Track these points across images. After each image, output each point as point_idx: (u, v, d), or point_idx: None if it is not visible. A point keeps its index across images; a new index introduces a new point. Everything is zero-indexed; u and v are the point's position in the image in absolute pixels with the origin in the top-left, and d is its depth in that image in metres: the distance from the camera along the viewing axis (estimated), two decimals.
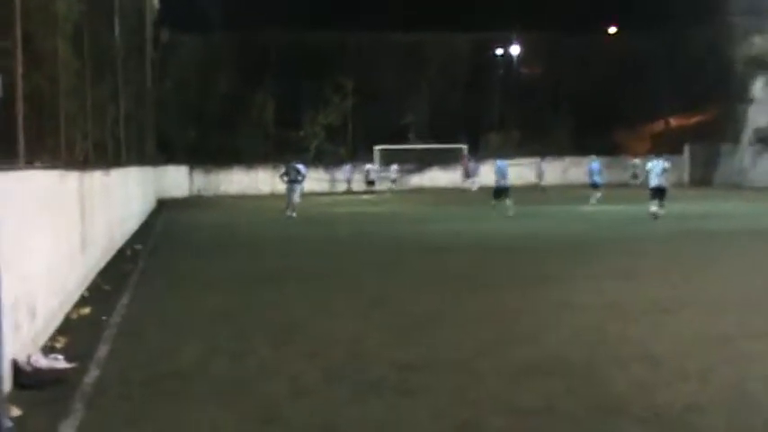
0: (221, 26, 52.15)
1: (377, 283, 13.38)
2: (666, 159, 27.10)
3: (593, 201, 32.89)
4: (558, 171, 53.71)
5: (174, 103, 50.24)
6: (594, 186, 33.85)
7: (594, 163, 35.22)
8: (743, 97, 51.66)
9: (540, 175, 49.19)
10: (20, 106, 8.60)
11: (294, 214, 29.35)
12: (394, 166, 51.90)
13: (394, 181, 51.17)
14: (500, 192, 29.26)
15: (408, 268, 15.50)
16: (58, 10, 12.55)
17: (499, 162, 30.57)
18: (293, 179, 30.59)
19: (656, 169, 26.28)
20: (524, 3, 57.19)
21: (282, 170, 31.84)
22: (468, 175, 52.74)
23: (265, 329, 9.65)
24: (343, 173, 52.28)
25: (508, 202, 28.54)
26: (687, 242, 19.45)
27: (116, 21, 21.35)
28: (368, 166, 49.98)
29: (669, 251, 17.71)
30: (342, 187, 52.67)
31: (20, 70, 8.67)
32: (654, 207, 25.62)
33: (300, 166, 31.26)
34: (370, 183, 48.84)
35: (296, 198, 30.33)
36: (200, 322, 10.19)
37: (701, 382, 7.11)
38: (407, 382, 7.20)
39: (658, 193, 25.98)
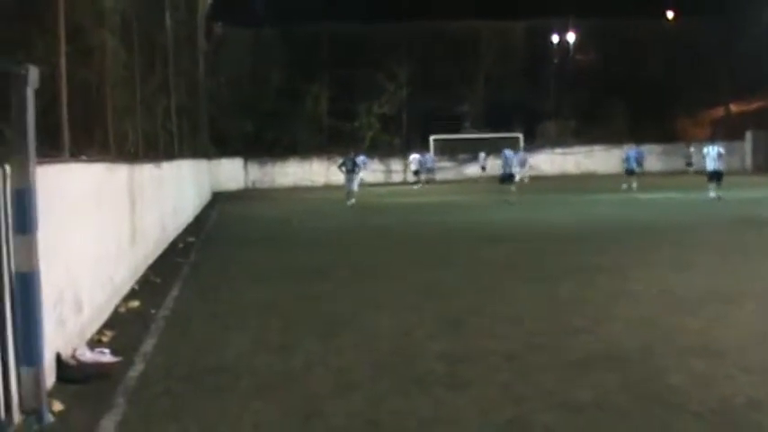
0: (273, 19, 52.29)
1: (423, 275, 13.18)
2: (720, 145, 27.79)
3: (624, 186, 34.87)
4: (616, 159, 52.94)
5: (228, 96, 50.47)
6: (630, 173, 35.82)
7: (631, 150, 37.92)
8: None
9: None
10: (63, 98, 8.57)
11: (352, 201, 31.04)
12: (428, 155, 51.42)
13: (431, 170, 50.77)
14: (504, 178, 31.49)
15: (458, 259, 15.30)
16: (106, 3, 12.55)
17: (506, 151, 32.36)
18: (350, 170, 32.08)
19: (711, 154, 27.62)
20: None
21: (340, 161, 33.43)
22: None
23: (313, 323, 9.53)
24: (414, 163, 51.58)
25: (513, 188, 30.76)
26: (746, 230, 18.97)
27: (167, 13, 21.40)
28: (412, 155, 49.77)
29: (727, 239, 17.30)
30: (398, 178, 52.50)
31: (63, 62, 8.63)
32: (712, 192, 26.94)
33: (360, 158, 33.16)
34: (416, 173, 48.68)
35: (354, 187, 31.99)
36: (248, 316, 10.10)
37: (764, 375, 6.82)
38: (455, 376, 7.03)
39: (715, 176, 27.37)
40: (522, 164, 47.95)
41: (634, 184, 34.74)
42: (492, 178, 45.65)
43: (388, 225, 23.38)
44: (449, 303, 10.52)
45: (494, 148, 49.56)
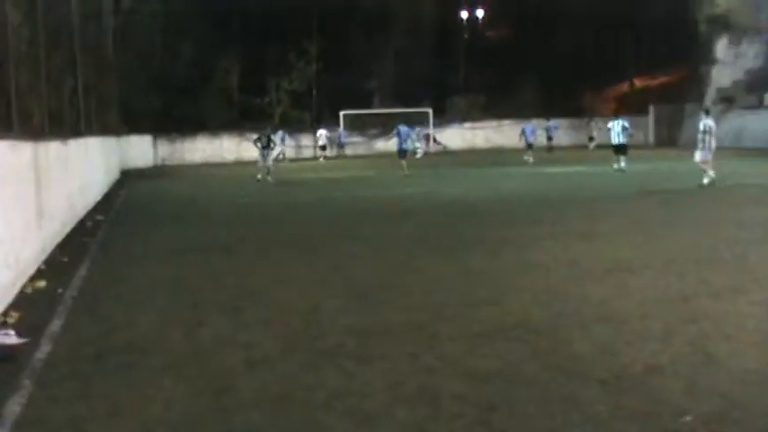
0: None
1: (333, 250, 13.28)
2: (625, 119, 28.80)
3: (526, 158, 37.28)
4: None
5: (138, 72, 49.53)
6: (530, 146, 38.24)
7: (528, 125, 40.32)
8: (706, 58, 51.91)
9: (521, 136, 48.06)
10: None
11: (261, 177, 31.27)
12: (340, 130, 51.71)
13: (342, 145, 51.07)
14: (401, 153, 32.99)
15: (366, 233, 15.40)
16: None
17: (400, 127, 33.78)
18: (265, 145, 32.17)
19: (616, 128, 29.16)
20: None
21: (255, 137, 33.37)
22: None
23: (221, 299, 9.51)
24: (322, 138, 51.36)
25: (404, 162, 32.29)
26: (648, 202, 19.53)
27: None
28: (319, 131, 49.82)
29: (630, 211, 17.76)
30: (308, 153, 52.35)
31: None
32: (616, 164, 28.55)
33: (278, 134, 35.46)
34: (323, 148, 48.80)
35: (267, 162, 32.13)
36: (157, 294, 10.02)
37: (663, 342, 7.04)
38: (365, 349, 7.10)
39: (620, 149, 28.93)
40: (421, 139, 48.50)
41: (530, 158, 37.25)
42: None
43: (298, 201, 23.37)
44: (358, 277, 10.61)
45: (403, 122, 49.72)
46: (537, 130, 41.52)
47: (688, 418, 5.26)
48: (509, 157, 41.15)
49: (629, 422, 5.24)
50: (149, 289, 10.38)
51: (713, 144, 22.47)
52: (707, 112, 23.34)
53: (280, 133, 45.19)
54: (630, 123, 30.78)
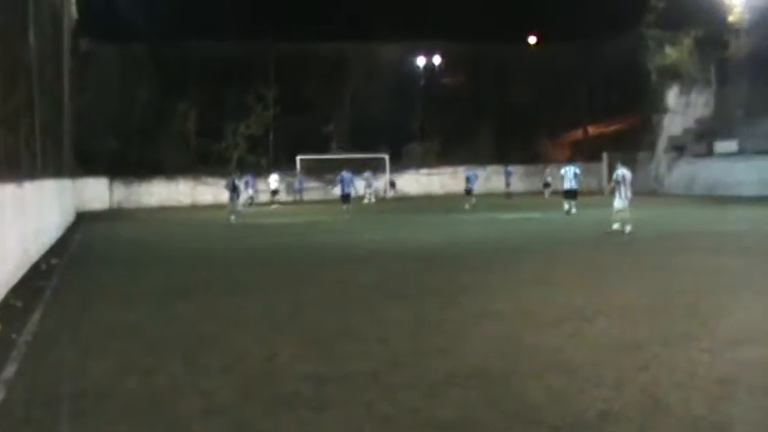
0: (142, 35, 51.42)
1: (291, 296, 13.27)
2: (578, 166, 29.78)
3: (467, 205, 37.91)
4: (480, 180, 53.95)
5: (94, 114, 49.34)
6: (468, 192, 39.49)
7: (471, 171, 41.55)
8: (657, 107, 52.85)
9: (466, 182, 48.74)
10: None
11: (231, 219, 32.72)
12: (298, 176, 52.06)
13: (299, 191, 51.38)
14: (344, 198, 35.49)
15: (324, 279, 15.44)
16: None
17: (344, 173, 36.30)
18: (231, 189, 33.89)
19: (568, 174, 30.49)
20: (445, 13, 57.72)
21: (224, 182, 35.57)
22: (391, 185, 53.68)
23: (178, 345, 9.49)
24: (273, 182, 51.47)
25: (347, 207, 34.77)
26: (600, 248, 19.78)
27: (30, 29, 20.89)
28: (271, 176, 49.90)
29: (583, 258, 18.02)
30: (264, 198, 52.34)
31: None
32: (566, 205, 30.08)
33: (244, 179, 37.33)
34: (274, 192, 48.92)
35: (235, 207, 33.78)
36: (112, 339, 9.98)
37: (615, 389, 7.13)
38: (321, 397, 7.11)
39: (571, 194, 30.44)
40: (369, 184, 48.95)
41: (472, 203, 38.32)
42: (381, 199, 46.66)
43: (255, 245, 23.36)
44: (315, 324, 10.62)
45: (362, 168, 50.06)
46: (478, 177, 42.76)
47: None
48: (463, 203, 41.39)
49: None
50: (105, 334, 10.33)
51: (628, 193, 23.05)
52: (622, 162, 24.09)
53: (246, 178, 45.79)
54: (582, 170, 31.68)
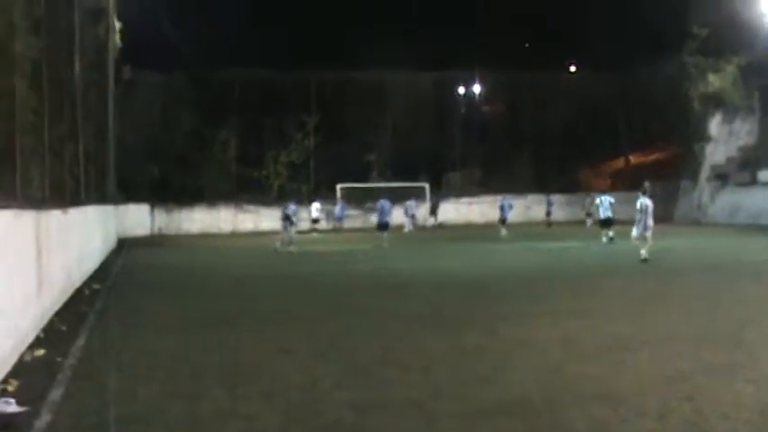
0: (184, 64, 52.02)
1: (331, 324, 13.31)
2: (612, 195, 30.61)
3: (501, 234, 38.71)
4: (520, 209, 53.85)
5: (136, 141, 49.87)
6: (503, 222, 40.49)
7: (505, 201, 41.81)
8: (700, 135, 52.49)
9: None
10: None
11: (290, 248, 32.10)
12: (339, 203, 52.05)
13: (340, 218, 51.30)
14: (382, 226, 34.93)
15: (363, 308, 15.45)
16: (16, 48, 12.47)
17: (382, 201, 35.82)
18: (282, 218, 33.70)
19: (604, 203, 31.44)
20: (485, 41, 57.92)
21: (281, 211, 35.16)
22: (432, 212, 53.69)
23: (221, 372, 9.54)
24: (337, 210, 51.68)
25: (385, 235, 34.10)
26: (643, 278, 19.62)
27: (76, 57, 21.25)
28: (313, 204, 49.93)
29: (624, 287, 17.86)
30: (305, 225, 52.54)
31: None
32: (605, 237, 30.65)
33: (290, 208, 34.09)
34: (315, 221, 48.96)
35: (287, 234, 33.17)
36: (156, 365, 10.05)
37: (660, 419, 7.09)
38: (363, 425, 7.13)
39: (607, 223, 31.21)
40: (410, 213, 48.99)
41: (505, 232, 38.75)
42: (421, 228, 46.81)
43: (296, 273, 23.43)
44: (356, 352, 10.64)
45: (402, 197, 50.14)
46: (512, 207, 43.35)
47: None
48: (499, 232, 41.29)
49: None
50: (149, 360, 10.41)
51: (650, 222, 23.30)
52: (644, 192, 24.21)
53: (291, 207, 46.01)
54: (620, 199, 32.32)
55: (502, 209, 41.18)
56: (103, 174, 32.27)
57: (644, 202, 23.55)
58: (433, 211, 54.41)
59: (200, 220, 52.18)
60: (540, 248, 30.69)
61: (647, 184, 24.73)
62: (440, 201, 55.63)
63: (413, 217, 50.21)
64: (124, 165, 44.92)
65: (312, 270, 24.39)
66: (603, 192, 33.11)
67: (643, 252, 22.96)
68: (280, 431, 7.02)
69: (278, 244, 32.54)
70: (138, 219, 49.40)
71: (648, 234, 23.23)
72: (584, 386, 8.39)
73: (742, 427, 6.87)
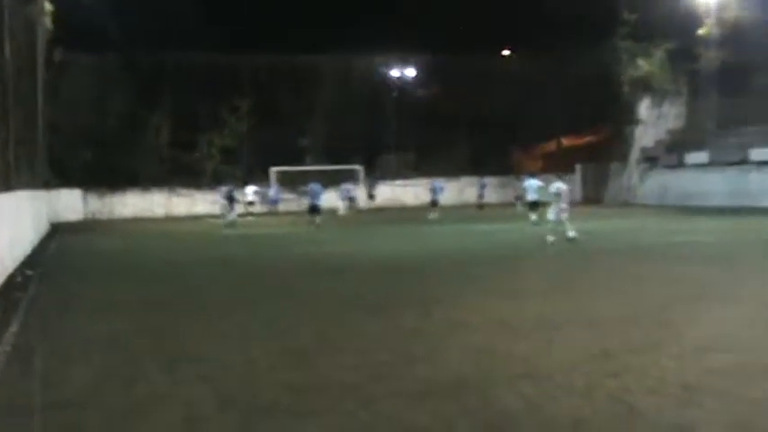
0: (117, 46, 51.29)
1: (266, 307, 13.39)
2: (538, 179, 31.22)
3: (431, 216, 39.19)
4: (454, 191, 54.25)
5: (69, 125, 49.15)
6: (434, 204, 41.23)
7: (436, 183, 42.65)
8: (630, 118, 53.32)
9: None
10: None
11: (227, 231, 33.01)
12: (273, 187, 52.04)
13: (275, 202, 51.23)
14: (313, 209, 36.01)
15: (301, 290, 15.55)
16: None
17: (312, 185, 37.18)
18: (226, 197, 35.42)
19: (532, 186, 31.23)
20: (419, 25, 58.03)
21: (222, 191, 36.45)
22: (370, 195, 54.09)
23: (157, 355, 9.58)
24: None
25: (317, 218, 35.25)
26: (571, 259, 20.01)
27: (5, 40, 20.92)
28: (248, 187, 49.93)
29: (553, 268, 18.19)
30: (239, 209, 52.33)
31: None
32: (533, 216, 30.46)
33: (224, 188, 35.98)
34: (250, 204, 48.92)
35: (233, 215, 34.62)
36: (91, 349, 10.05)
37: (587, 396, 7.30)
38: (300, 406, 7.24)
39: (535, 205, 31.06)
40: (345, 196, 49.17)
41: (435, 215, 39.39)
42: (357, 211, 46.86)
43: (230, 257, 23.40)
44: (293, 335, 10.74)
45: (335, 180, 50.31)
46: (443, 189, 43.93)
47: None
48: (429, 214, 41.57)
49: None
50: (84, 345, 10.40)
51: (563, 205, 23.97)
52: (559, 177, 25.29)
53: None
54: (550, 182, 32.37)
55: (433, 191, 41.91)
56: (34, 158, 31.81)
57: (559, 186, 24.27)
58: (371, 194, 54.68)
59: (133, 204, 51.78)
60: (473, 231, 31.03)
61: (561, 177, 25.63)
62: (377, 182, 55.93)
63: (351, 199, 50.38)
64: (56, 149, 44.34)
65: (247, 253, 24.39)
66: (532, 175, 33.30)
67: (571, 233, 23.64)
68: (216, 414, 7.09)
69: (224, 225, 33.50)
70: (70, 203, 48.83)
71: (565, 216, 23.89)
72: (514, 365, 8.59)
73: (666, 401, 7.11)
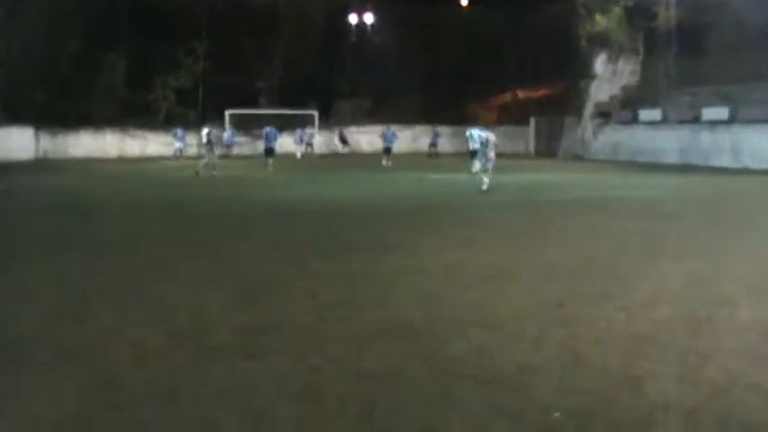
0: None
1: (221, 248, 13.36)
2: (483, 129, 29.77)
3: (383, 163, 40.18)
4: (407, 139, 54.17)
5: (21, 64, 48.21)
6: (387, 151, 42.05)
7: (388, 131, 43.46)
8: (586, 73, 53.46)
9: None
10: None
11: (214, 173, 32.68)
12: (229, 130, 51.72)
13: (229, 145, 50.82)
14: (268, 152, 37.31)
15: (254, 233, 15.54)
16: None
17: (267, 128, 38.15)
18: (206, 142, 34.58)
19: (473, 137, 28.85)
20: None
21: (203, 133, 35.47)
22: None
23: (107, 295, 9.53)
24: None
25: (270, 161, 36.54)
26: (524, 211, 20.13)
27: None
28: (204, 129, 49.47)
29: (505, 219, 18.28)
30: (192, 151, 51.93)
31: None
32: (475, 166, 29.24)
33: (172, 132, 38.30)
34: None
35: (212, 158, 34.02)
36: (41, 289, 9.97)
37: (536, 344, 7.37)
38: (250, 347, 7.24)
39: (475, 155, 29.51)
40: (302, 140, 49.20)
41: (389, 162, 40.19)
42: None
43: (183, 199, 23.26)
44: (244, 277, 10.73)
45: (289, 124, 50.14)
46: (396, 136, 44.39)
47: (557, 414, 5.62)
48: (392, 161, 41.55)
49: (503, 418, 5.56)
50: (33, 284, 10.31)
51: (491, 155, 24.52)
52: (484, 127, 26.29)
53: (174, 131, 46.28)
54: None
55: (384, 138, 42.53)
56: None
57: (485, 135, 24.70)
58: (344, 139, 54.86)
59: (85, 144, 51.12)
60: (426, 179, 31.06)
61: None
62: (343, 129, 56.04)
63: (309, 145, 50.36)
64: (7, 88, 43.57)
65: (199, 196, 24.22)
66: (474, 125, 33.00)
67: (486, 183, 24.08)
68: (166, 354, 7.06)
69: (200, 167, 33.00)
70: (21, 142, 47.98)
71: (490, 166, 24.26)
72: (464, 312, 8.64)
73: (613, 350, 7.21)
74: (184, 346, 7.28)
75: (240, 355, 6.99)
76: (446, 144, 53.18)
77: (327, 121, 56.99)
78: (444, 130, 53.60)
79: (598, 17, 51.12)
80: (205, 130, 34.68)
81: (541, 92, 60.06)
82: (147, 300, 9.26)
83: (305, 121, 53.57)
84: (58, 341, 7.47)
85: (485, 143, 24.25)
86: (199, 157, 45.93)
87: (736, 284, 10.19)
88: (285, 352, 7.12)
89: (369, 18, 61.15)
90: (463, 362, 6.86)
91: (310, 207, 20.70)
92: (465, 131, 27.67)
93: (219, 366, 6.71)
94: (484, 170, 24.21)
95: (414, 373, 6.56)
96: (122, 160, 47.80)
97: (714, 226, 17.12)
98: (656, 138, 45.81)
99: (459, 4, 62.20)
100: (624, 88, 52.49)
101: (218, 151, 35.23)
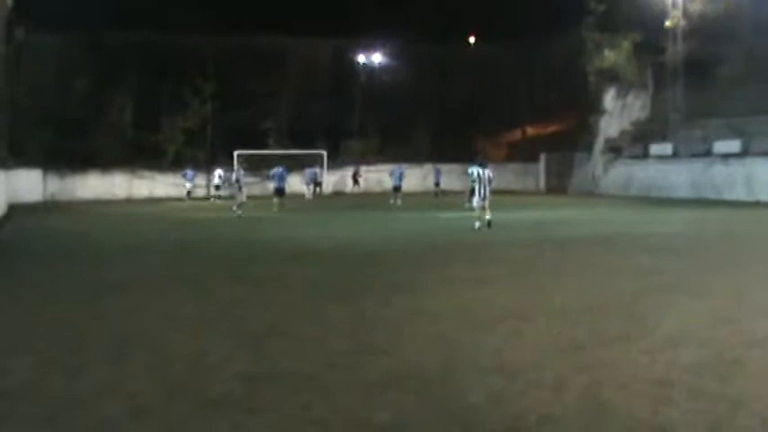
0: (80, 24, 50.37)
1: (223, 293, 12.99)
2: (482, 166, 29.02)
3: (391, 201, 40.21)
4: (417, 178, 54.12)
5: (29, 104, 48.34)
6: (396, 190, 41.73)
7: (397, 169, 43.30)
8: (595, 108, 53.45)
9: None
10: None
11: (239, 212, 32.88)
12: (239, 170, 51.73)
13: (218, 187, 50.89)
14: (279, 192, 37.05)
15: (260, 276, 15.17)
16: None
17: (277, 168, 38.00)
18: (234, 181, 35.27)
19: (474, 174, 27.88)
20: (386, 10, 57.72)
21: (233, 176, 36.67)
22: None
23: (105, 342, 9.16)
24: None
25: (282, 200, 36.62)
26: (536, 248, 19.74)
27: None
28: (216, 171, 49.97)
29: (518, 257, 17.89)
30: (201, 192, 51.93)
31: None
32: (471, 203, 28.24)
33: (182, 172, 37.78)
34: (217, 188, 48.94)
35: (241, 197, 34.40)
36: (36, 336, 9.61)
37: (556, 391, 7.01)
38: (253, 398, 6.87)
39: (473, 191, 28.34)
40: (310, 180, 49.35)
41: (398, 201, 39.91)
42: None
43: (190, 240, 23.03)
44: (249, 322, 10.36)
45: (299, 164, 50.09)
46: (405, 175, 43.87)
47: None
48: (391, 199, 41.34)
49: None
50: (29, 331, 9.96)
51: (487, 192, 24.38)
52: (480, 164, 25.12)
53: (185, 171, 46.53)
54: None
55: (393, 177, 42.33)
56: None
57: (483, 171, 24.46)
58: (357, 178, 54.86)
59: (94, 186, 51.19)
60: (438, 218, 30.74)
61: (481, 156, 26.41)
62: (359, 168, 56.02)
63: (317, 184, 50.44)
64: (16, 129, 43.62)
65: (206, 236, 23.99)
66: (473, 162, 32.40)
67: (477, 223, 24.19)
68: (166, 406, 6.69)
69: (237, 209, 33.20)
70: (29, 184, 48.02)
71: (487, 203, 24.20)
72: (479, 357, 8.26)
73: (638, 396, 6.83)
74: (184, 398, 6.91)
75: (242, 408, 6.61)
76: (455, 181, 52.95)
77: (336, 160, 56.90)
78: (454, 168, 53.43)
79: (607, 52, 51.23)
80: (218, 171, 34.95)
81: (551, 128, 60.06)
82: (146, 347, 8.90)
83: (313, 161, 53.49)
84: (48, 395, 7.10)
85: (478, 179, 24.35)
86: (214, 197, 46.11)
87: (763, 323, 9.80)
88: (290, 403, 6.74)
89: (377, 57, 61.29)
90: (479, 412, 6.49)
91: (319, 247, 20.39)
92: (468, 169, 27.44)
93: (220, 420, 6.33)
94: (481, 207, 24.27)
95: (428, 426, 6.19)
96: (131, 202, 47.70)
97: (732, 261, 16.76)
98: (668, 172, 45.62)
99: (468, 42, 62.38)
100: (634, 123, 52.44)
101: (244, 191, 35.11)
